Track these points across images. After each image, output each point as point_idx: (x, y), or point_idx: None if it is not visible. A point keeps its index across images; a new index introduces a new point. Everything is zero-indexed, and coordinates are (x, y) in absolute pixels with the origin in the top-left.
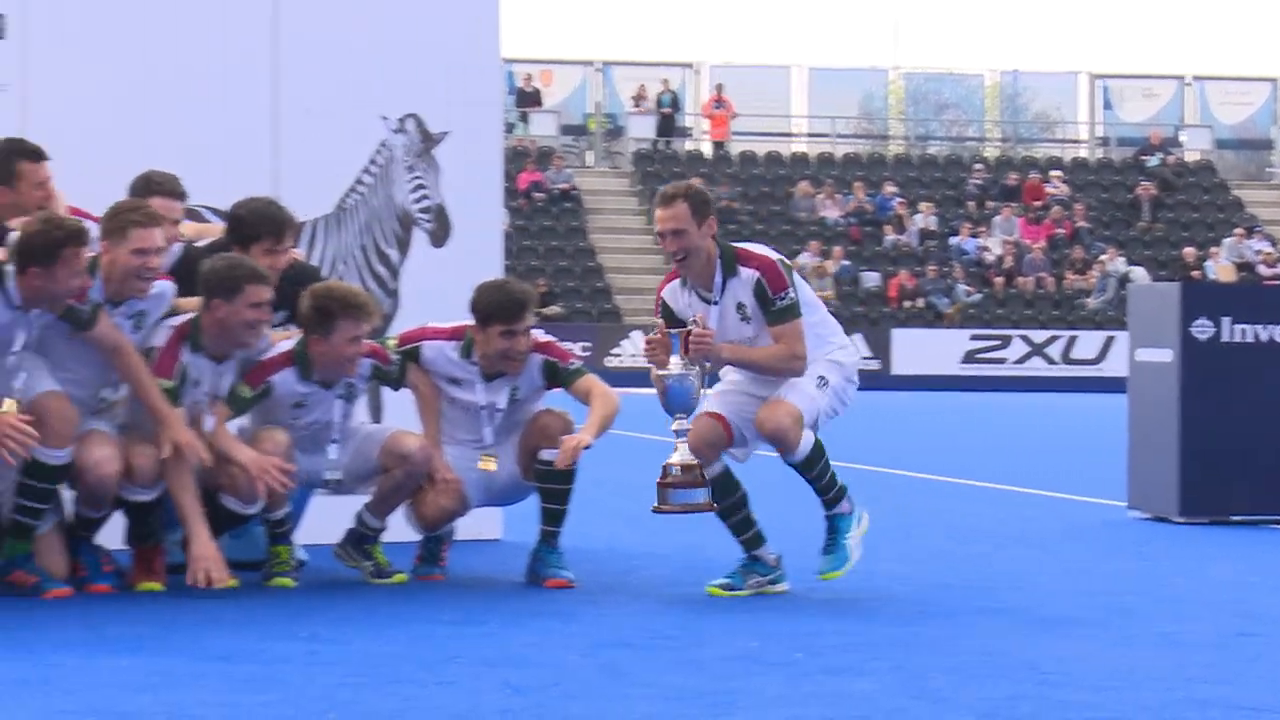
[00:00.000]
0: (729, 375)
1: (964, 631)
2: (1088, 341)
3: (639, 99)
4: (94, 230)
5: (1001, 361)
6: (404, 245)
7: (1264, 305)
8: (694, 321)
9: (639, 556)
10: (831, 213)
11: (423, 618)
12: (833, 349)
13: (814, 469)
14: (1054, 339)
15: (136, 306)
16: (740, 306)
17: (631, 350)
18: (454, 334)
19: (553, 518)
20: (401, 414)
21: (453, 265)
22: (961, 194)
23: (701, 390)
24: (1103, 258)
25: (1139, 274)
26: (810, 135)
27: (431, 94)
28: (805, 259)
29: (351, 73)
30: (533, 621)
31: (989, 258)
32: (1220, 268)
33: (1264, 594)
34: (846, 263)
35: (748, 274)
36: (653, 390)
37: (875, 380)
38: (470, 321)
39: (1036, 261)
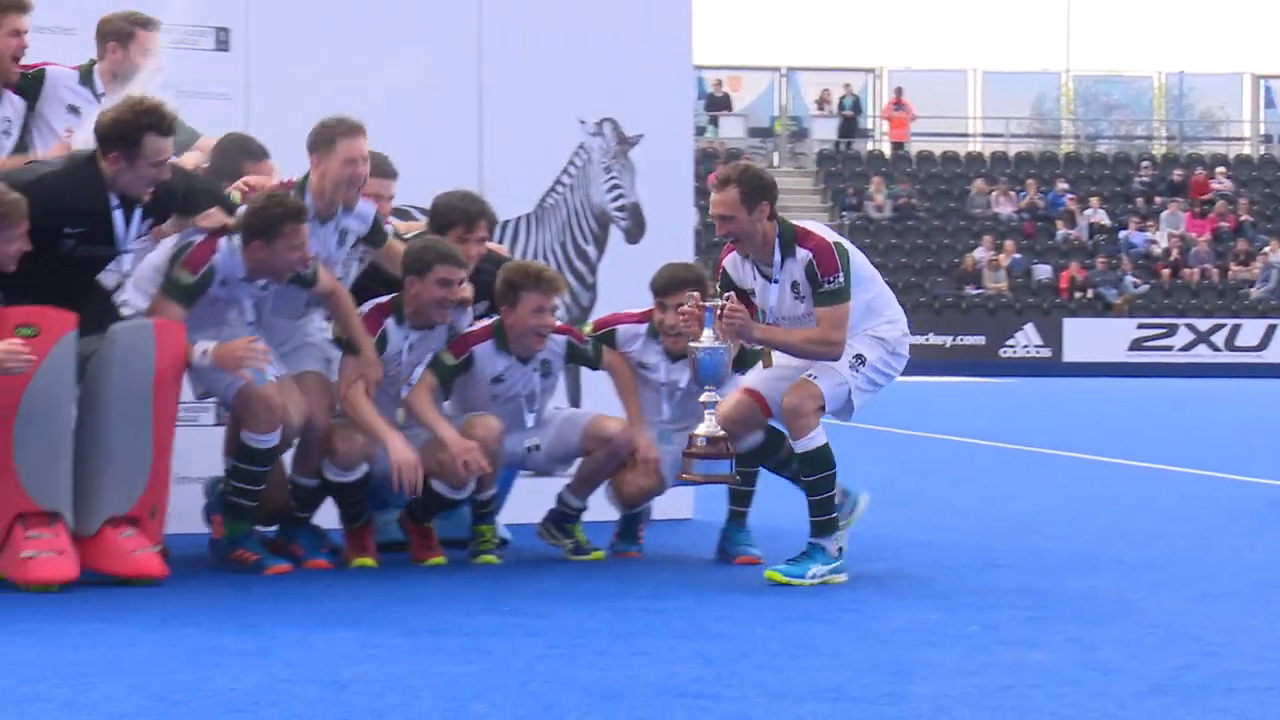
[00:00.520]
0: (779, 356)
1: (1133, 605)
2: (1251, 329)
3: (822, 102)
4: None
5: (1168, 349)
6: (601, 242)
7: None
8: (726, 299)
9: None
10: (1005, 209)
11: (620, 593)
12: (879, 323)
13: (812, 473)
14: (1218, 327)
15: (343, 222)
16: (795, 285)
17: None
18: (642, 318)
19: (741, 498)
20: (598, 397)
21: (647, 260)
22: (1129, 190)
23: (730, 364)
24: (1266, 250)
25: None
26: (985, 135)
27: (627, 99)
28: (980, 253)
29: (551, 80)
30: (723, 597)
31: (1156, 250)
32: None
33: None
34: (1019, 256)
35: (803, 254)
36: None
37: (1046, 367)
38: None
39: (1201, 254)
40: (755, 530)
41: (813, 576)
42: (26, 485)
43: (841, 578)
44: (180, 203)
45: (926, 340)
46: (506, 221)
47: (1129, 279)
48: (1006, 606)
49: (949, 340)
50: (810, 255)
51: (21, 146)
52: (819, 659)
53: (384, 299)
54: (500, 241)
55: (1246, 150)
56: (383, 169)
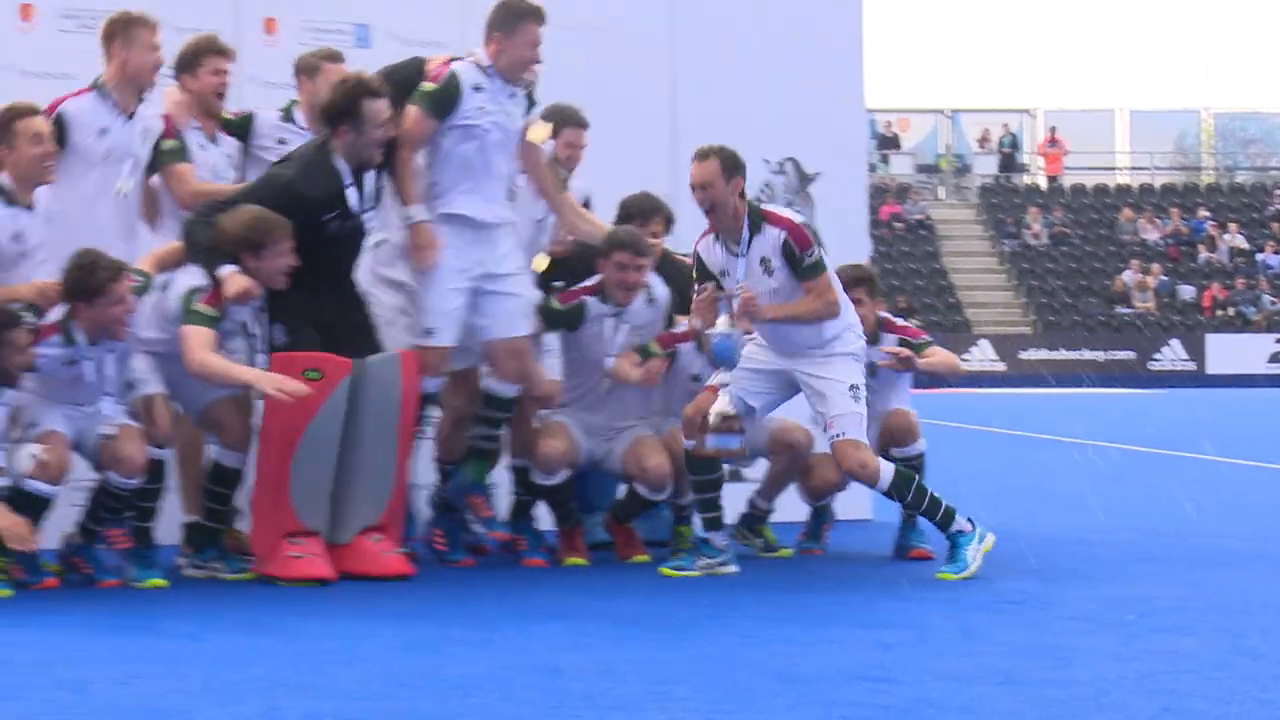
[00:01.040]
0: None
1: (1263, 591)
2: None
3: (983, 141)
4: None
5: None
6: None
7: None
8: (740, 288)
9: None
10: (1151, 235)
11: (805, 587)
12: (851, 336)
13: (903, 493)
14: None
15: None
16: (765, 260)
17: (980, 355)
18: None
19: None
20: None
21: None
22: (1265, 217)
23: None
24: None
25: None
26: (1131, 168)
27: (805, 139)
28: (1129, 275)
29: (738, 122)
30: (899, 589)
31: None
32: None
33: None
34: (1165, 278)
35: (774, 232)
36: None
37: (1191, 380)
38: None
39: None
40: (927, 529)
41: (970, 560)
42: (297, 509)
43: (971, 571)
44: None
45: (1080, 355)
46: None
47: (1266, 298)
48: (1159, 597)
49: (1101, 355)
50: (784, 233)
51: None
52: (986, 645)
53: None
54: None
55: None
56: (576, 119)
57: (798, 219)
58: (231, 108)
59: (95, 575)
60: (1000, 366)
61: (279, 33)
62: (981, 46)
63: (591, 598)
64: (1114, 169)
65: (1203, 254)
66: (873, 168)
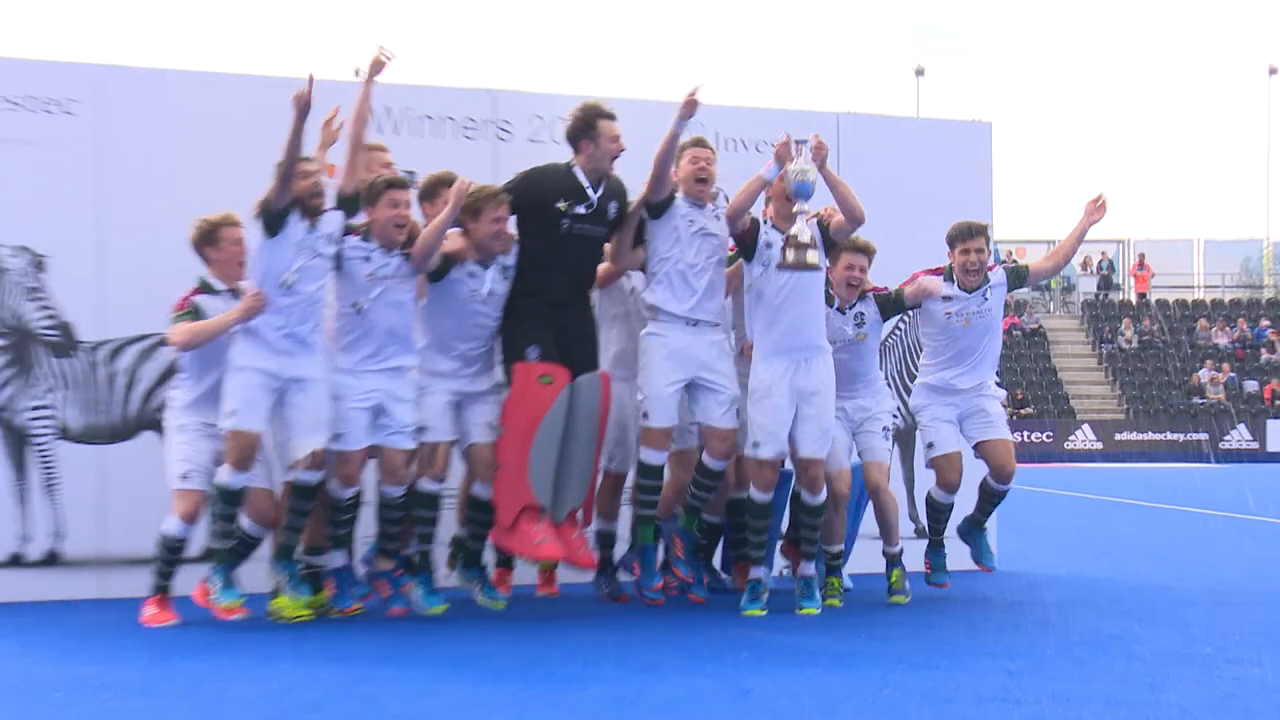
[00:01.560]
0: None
1: None
2: None
3: (1085, 265)
4: None
5: None
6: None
7: None
8: (815, 135)
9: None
10: (1222, 340)
11: (941, 624)
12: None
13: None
14: None
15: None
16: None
17: (1082, 437)
18: (938, 270)
19: (978, 520)
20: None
21: None
22: None
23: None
24: None
25: None
26: (1206, 286)
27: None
28: (1204, 373)
29: (885, 249)
30: (1022, 627)
31: None
32: None
33: None
34: (1233, 375)
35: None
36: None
37: (1255, 456)
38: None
39: None
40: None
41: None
42: (533, 487)
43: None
44: None
45: (1164, 436)
46: None
47: None
48: (1231, 634)
49: (1181, 437)
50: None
51: None
52: (1091, 672)
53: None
54: None
55: None
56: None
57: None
58: None
59: (389, 601)
60: (1099, 446)
61: None
62: (1084, 187)
63: (770, 631)
64: (1191, 286)
65: (1264, 355)
66: None
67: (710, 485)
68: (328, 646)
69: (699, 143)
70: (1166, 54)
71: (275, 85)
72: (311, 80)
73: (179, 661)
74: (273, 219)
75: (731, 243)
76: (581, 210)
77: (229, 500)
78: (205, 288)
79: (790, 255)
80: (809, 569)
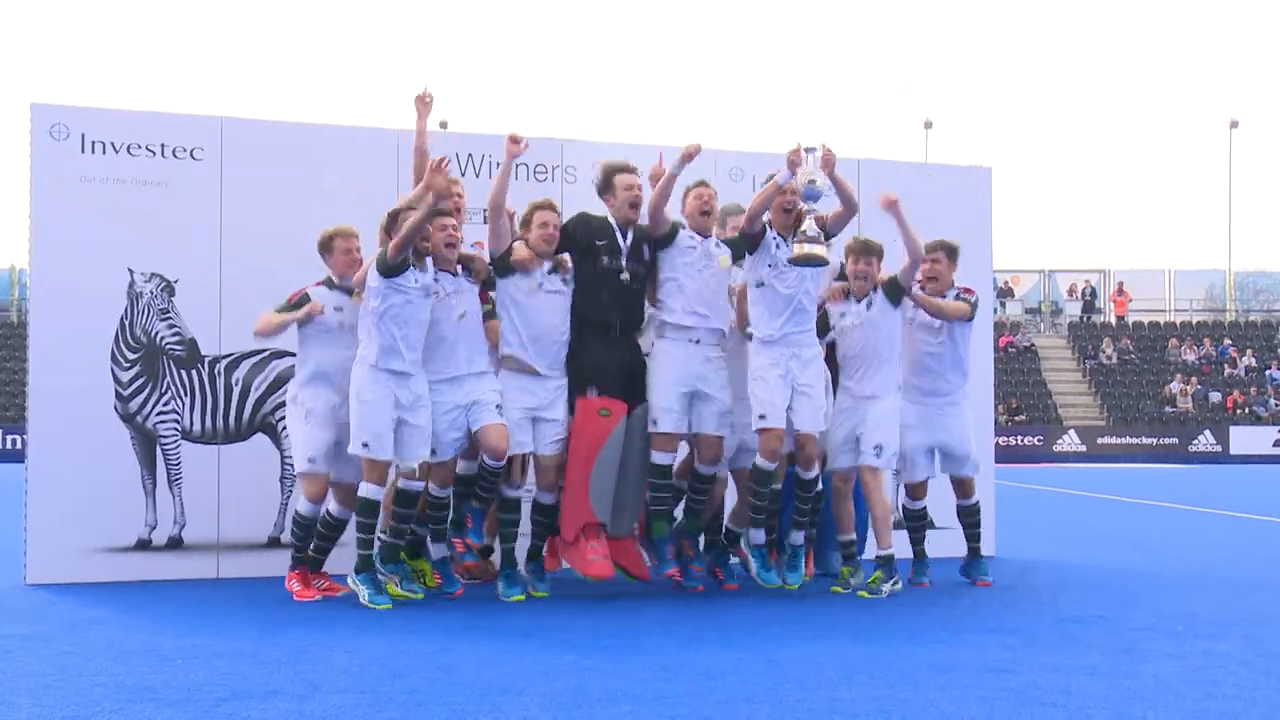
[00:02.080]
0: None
1: (1275, 609)
2: None
3: (1071, 291)
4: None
5: None
6: None
7: None
8: (823, 145)
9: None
10: (1190, 357)
11: (949, 605)
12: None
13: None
14: None
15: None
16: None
17: (1068, 441)
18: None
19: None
20: None
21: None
22: (1273, 344)
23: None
24: None
25: None
26: (1176, 309)
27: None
28: (1175, 385)
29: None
30: (1017, 604)
31: None
32: None
33: None
34: (1200, 387)
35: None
36: (1079, 465)
37: (1218, 457)
38: None
39: None
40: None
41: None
42: (594, 506)
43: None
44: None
45: (1140, 441)
46: None
47: (1273, 401)
48: (1200, 613)
49: (1154, 440)
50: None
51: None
52: (1078, 646)
53: None
54: None
55: None
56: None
57: None
58: None
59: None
60: (1083, 449)
61: None
62: (1071, 223)
63: (795, 610)
64: (1164, 310)
65: (1227, 370)
66: (995, 310)
67: (706, 489)
68: (411, 623)
69: (702, 184)
70: (1143, 109)
71: (369, 135)
72: (421, 117)
73: (283, 633)
74: (390, 270)
75: (728, 253)
76: (617, 251)
77: (369, 512)
78: (326, 282)
79: (802, 249)
80: (797, 538)
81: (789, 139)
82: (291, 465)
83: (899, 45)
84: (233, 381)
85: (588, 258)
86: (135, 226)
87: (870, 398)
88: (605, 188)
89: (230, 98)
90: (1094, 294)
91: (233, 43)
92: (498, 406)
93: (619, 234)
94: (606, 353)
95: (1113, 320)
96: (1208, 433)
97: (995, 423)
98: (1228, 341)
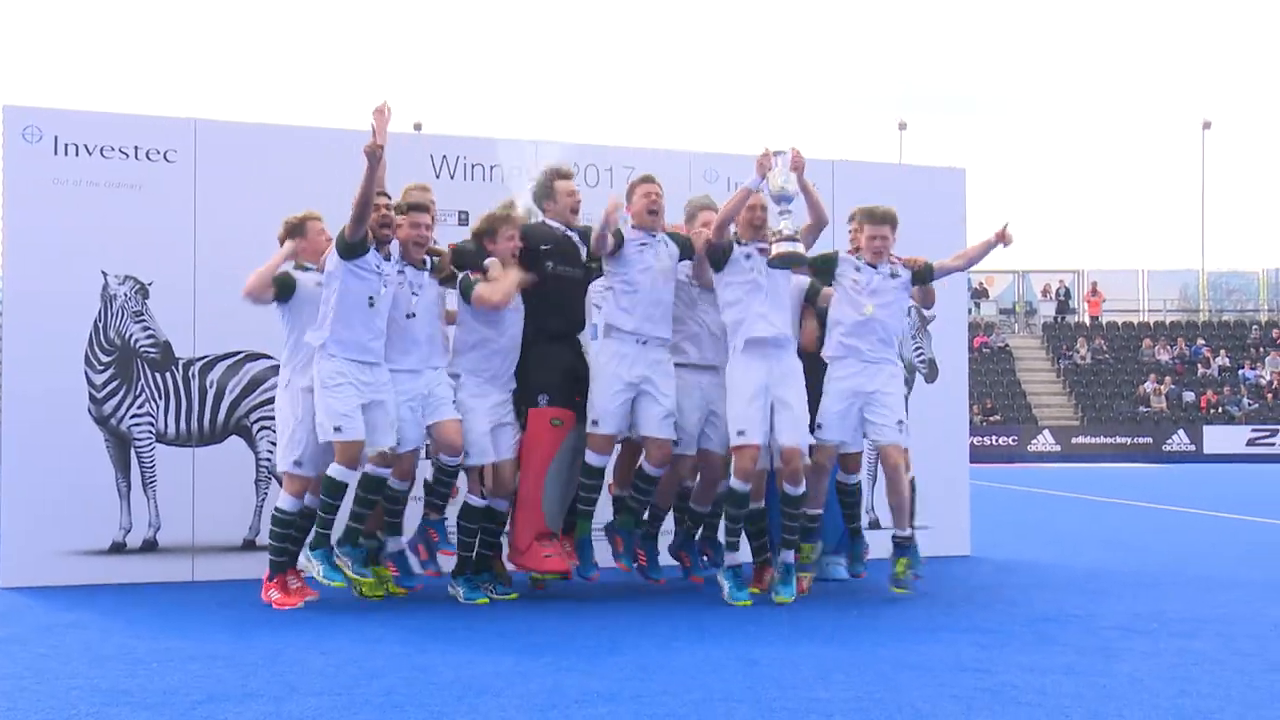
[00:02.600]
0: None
1: (1260, 611)
2: None
3: (1045, 291)
4: None
5: (1271, 445)
6: (909, 383)
7: None
8: (793, 148)
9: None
10: (1164, 356)
11: (924, 606)
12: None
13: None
14: None
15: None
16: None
17: (1042, 440)
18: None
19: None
20: None
21: (937, 394)
22: (1245, 343)
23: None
24: None
25: None
26: (1150, 309)
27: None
28: (1149, 385)
29: None
30: (992, 605)
31: (1262, 381)
32: None
33: None
34: (1174, 386)
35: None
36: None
37: (1191, 456)
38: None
39: None
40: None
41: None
42: (546, 516)
43: None
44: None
45: (1114, 440)
46: None
47: (1245, 400)
48: (1174, 611)
49: (1129, 440)
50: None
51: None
52: (1053, 646)
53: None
54: None
55: None
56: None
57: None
58: None
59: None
60: (1057, 448)
61: None
62: (1045, 223)
63: (771, 610)
64: (1137, 310)
65: (1200, 370)
66: (969, 311)
67: (648, 489)
68: (387, 623)
69: (647, 179)
70: (1116, 110)
71: (342, 136)
72: (381, 130)
73: (259, 636)
74: (349, 250)
75: (676, 251)
76: (568, 256)
77: (334, 493)
78: (299, 266)
79: (781, 249)
80: (789, 557)
81: (763, 140)
82: (267, 467)
83: (873, 47)
84: (207, 384)
85: (537, 263)
86: (109, 229)
87: (879, 362)
88: (546, 193)
89: (203, 99)
90: (1068, 294)
91: (206, 44)
92: (454, 403)
93: (568, 238)
94: (555, 359)
95: (1087, 320)
96: (1181, 432)
97: (970, 423)
98: (1201, 341)
